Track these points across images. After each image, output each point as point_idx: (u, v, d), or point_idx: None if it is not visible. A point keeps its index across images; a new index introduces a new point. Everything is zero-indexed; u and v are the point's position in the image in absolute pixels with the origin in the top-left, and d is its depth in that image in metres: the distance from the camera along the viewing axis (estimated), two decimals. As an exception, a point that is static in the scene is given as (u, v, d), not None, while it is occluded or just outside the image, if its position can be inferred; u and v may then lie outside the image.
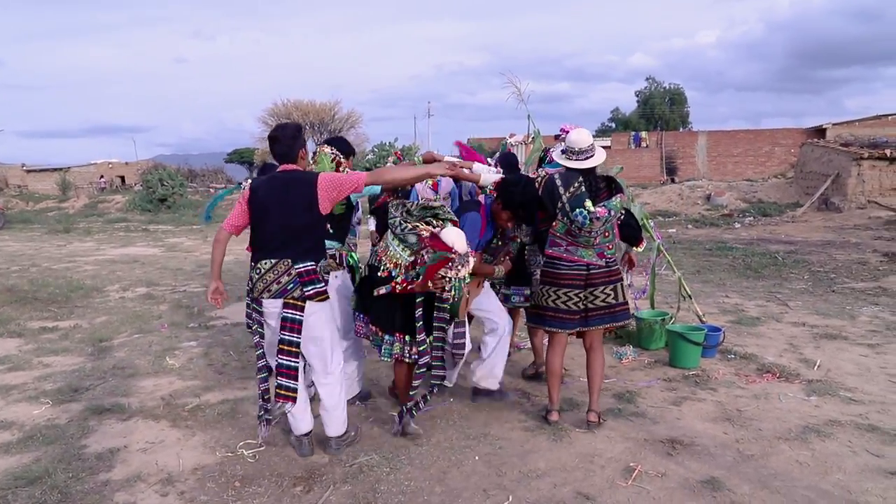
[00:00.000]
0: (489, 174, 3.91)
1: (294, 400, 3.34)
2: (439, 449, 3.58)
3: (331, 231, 3.77)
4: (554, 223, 3.73)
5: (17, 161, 39.04)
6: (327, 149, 3.95)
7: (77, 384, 4.75)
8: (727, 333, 5.38)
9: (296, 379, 3.32)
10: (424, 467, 3.36)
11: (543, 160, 4.94)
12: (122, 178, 36.31)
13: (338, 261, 3.89)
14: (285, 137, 3.37)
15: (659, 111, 46.44)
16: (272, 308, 3.29)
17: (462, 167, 3.83)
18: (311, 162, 3.87)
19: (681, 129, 42.21)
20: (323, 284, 3.30)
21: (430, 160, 5.26)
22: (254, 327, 3.42)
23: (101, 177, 35.43)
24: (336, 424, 3.50)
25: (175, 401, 4.39)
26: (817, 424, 3.77)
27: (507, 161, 5.08)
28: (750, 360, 5.02)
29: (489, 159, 6.06)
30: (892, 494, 2.98)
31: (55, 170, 36.20)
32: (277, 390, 3.32)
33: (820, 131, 26.76)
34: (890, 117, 25.83)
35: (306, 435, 3.52)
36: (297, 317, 3.25)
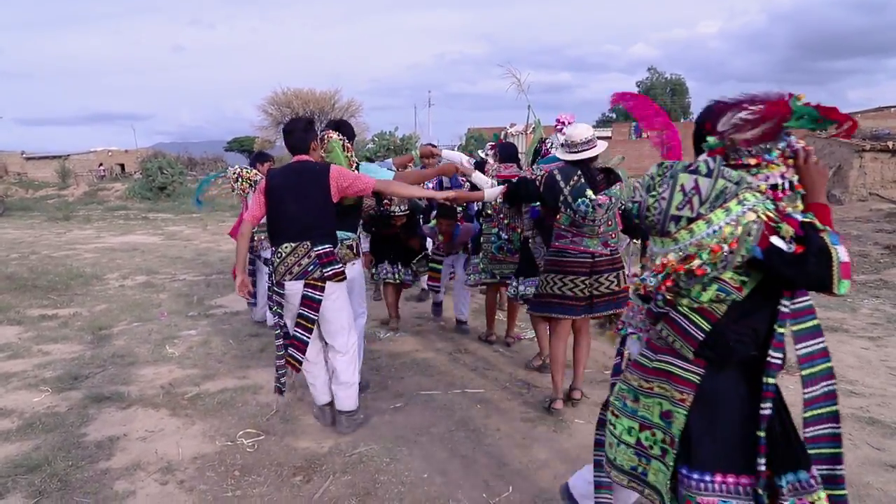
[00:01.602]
0: (492, 190, 4.09)
1: (298, 369, 3.60)
2: (440, 439, 3.57)
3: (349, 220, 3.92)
4: (558, 216, 3.78)
5: (17, 148, 38.94)
6: (334, 134, 3.97)
7: (77, 372, 4.74)
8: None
9: (303, 352, 3.56)
10: (425, 458, 3.36)
11: (538, 153, 4.94)
12: (122, 166, 36.23)
13: (354, 250, 3.89)
14: (298, 130, 3.58)
15: (660, 102, 46.25)
16: (294, 289, 3.46)
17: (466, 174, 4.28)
18: (322, 149, 3.89)
19: (682, 120, 42.06)
20: (341, 265, 3.50)
21: (427, 154, 5.30)
22: (274, 309, 3.57)
23: (101, 164, 35.34)
24: (348, 400, 3.69)
25: (174, 389, 4.38)
26: (818, 417, 3.76)
27: (507, 151, 5.07)
28: (750, 352, 5.00)
29: (491, 142, 6.06)
30: (893, 488, 2.98)
31: (54, 157, 36.10)
32: (287, 358, 3.58)
33: (822, 123, 26.57)
34: (892, 109, 25.64)
35: (328, 405, 3.78)
36: (317, 296, 3.45)
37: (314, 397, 3.80)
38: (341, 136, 4.01)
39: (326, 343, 3.72)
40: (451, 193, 4.05)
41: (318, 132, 3.83)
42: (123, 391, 4.34)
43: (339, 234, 3.95)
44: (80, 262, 10.30)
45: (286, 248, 3.42)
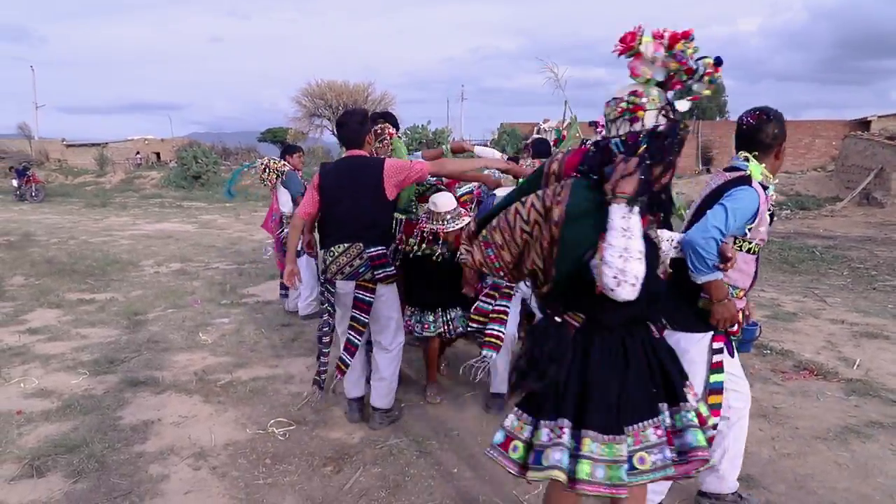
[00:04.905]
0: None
1: (344, 371, 3.58)
2: (470, 434, 3.57)
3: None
4: None
5: (58, 136, 39.78)
6: (393, 130, 4.05)
7: (113, 356, 4.85)
8: (763, 328, 5.25)
9: (353, 355, 3.55)
10: (455, 453, 3.36)
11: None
12: (158, 155, 36.79)
13: None
14: (353, 123, 3.47)
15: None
16: (346, 289, 3.48)
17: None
18: (380, 144, 4.00)
19: (718, 119, 41.31)
20: (392, 268, 3.46)
21: (458, 150, 5.23)
22: (324, 306, 3.59)
23: (138, 153, 35.96)
24: (385, 396, 3.66)
25: (207, 376, 4.45)
26: (857, 425, 3.67)
27: (541, 147, 5.00)
28: (786, 357, 4.90)
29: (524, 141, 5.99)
30: (936, 501, 2.89)
31: (93, 145, 36.79)
32: (339, 363, 3.55)
33: (864, 123, 25.89)
34: (939, 110, 24.85)
35: (357, 400, 3.74)
36: (368, 298, 3.44)
37: (345, 389, 3.76)
38: (390, 130, 4.10)
39: (369, 341, 3.72)
40: (503, 166, 3.66)
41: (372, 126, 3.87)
42: (158, 376, 4.42)
43: None
44: (116, 249, 10.52)
45: (338, 248, 3.38)
